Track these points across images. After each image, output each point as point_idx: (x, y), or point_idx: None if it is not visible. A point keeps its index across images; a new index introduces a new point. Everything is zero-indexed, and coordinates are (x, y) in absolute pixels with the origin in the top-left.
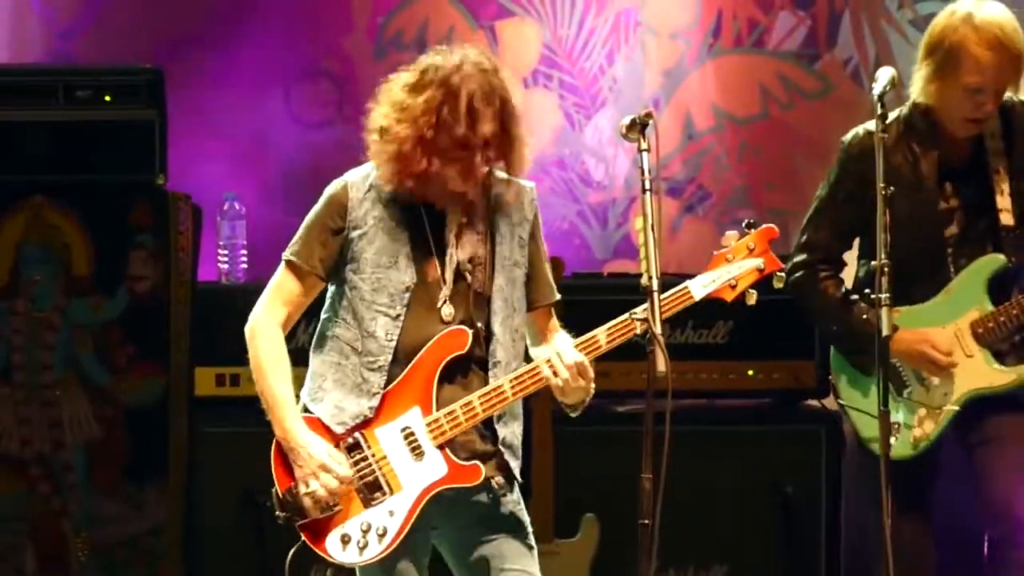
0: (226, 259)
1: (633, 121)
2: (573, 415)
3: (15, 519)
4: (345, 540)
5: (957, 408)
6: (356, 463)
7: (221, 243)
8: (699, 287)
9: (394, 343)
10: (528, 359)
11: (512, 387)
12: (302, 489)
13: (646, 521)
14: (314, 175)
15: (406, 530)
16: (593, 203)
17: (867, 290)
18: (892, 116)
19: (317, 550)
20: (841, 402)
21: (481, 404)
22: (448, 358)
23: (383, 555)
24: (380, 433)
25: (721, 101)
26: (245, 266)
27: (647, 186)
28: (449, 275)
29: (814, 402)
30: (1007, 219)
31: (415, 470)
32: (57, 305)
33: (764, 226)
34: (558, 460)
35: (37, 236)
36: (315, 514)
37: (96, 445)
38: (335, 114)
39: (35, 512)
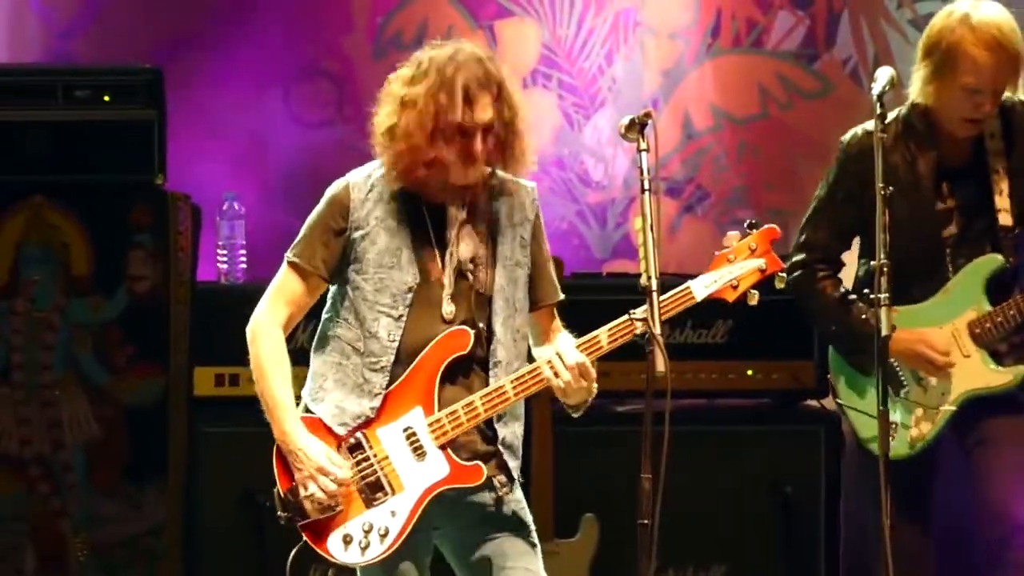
0: (225, 259)
1: (632, 121)
2: (575, 416)
3: (15, 519)
4: (347, 540)
5: (954, 408)
6: (358, 463)
7: (220, 243)
8: (701, 287)
9: (397, 343)
10: (531, 359)
11: (514, 387)
12: (301, 492)
13: (646, 521)
14: (313, 175)
15: (408, 530)
16: (592, 203)
17: (866, 290)
18: (891, 116)
19: (319, 550)
20: (840, 402)
21: (483, 404)
22: (450, 358)
23: (385, 555)
24: (382, 433)
25: (720, 101)
26: (244, 266)
27: (646, 186)
28: (450, 274)
29: (813, 402)
30: (1006, 219)
31: (417, 470)
32: (57, 305)
33: (766, 226)
34: (558, 460)
35: (37, 236)
36: (316, 515)
37: (96, 445)
38: (335, 114)
39: (35, 512)
